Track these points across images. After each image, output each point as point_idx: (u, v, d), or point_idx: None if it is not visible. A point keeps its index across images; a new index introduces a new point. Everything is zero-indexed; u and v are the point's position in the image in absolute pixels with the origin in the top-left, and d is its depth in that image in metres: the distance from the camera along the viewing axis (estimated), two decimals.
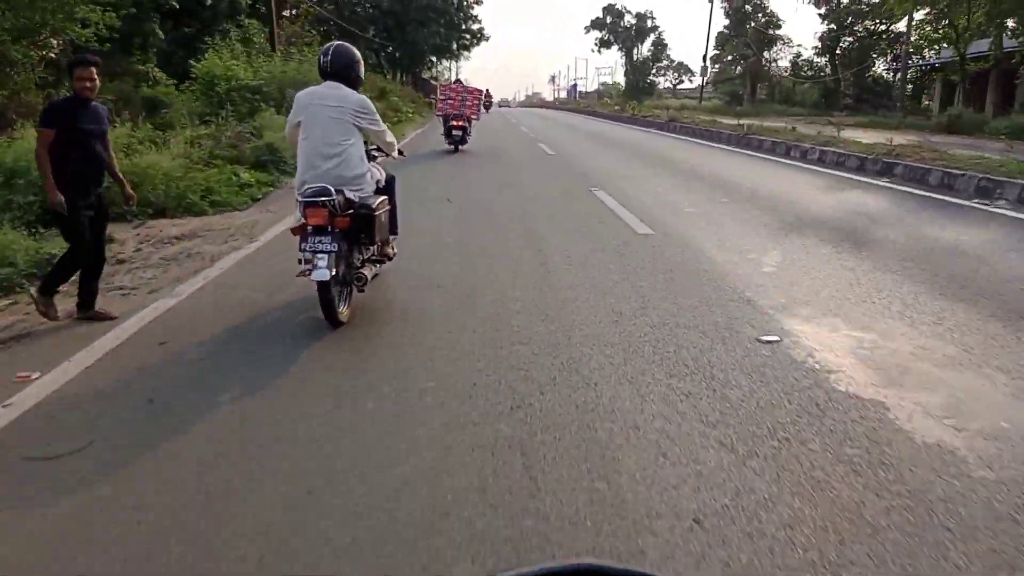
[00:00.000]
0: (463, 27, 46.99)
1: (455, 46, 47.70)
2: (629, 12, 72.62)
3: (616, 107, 42.78)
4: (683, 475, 2.40)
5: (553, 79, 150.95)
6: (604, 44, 74.07)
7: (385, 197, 4.30)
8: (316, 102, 4.02)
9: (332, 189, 3.72)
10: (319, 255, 3.62)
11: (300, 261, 3.72)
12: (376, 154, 4.67)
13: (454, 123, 15.76)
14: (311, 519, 2.18)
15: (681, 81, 79.28)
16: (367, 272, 4.10)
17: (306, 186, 3.80)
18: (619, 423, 2.79)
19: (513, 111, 67.25)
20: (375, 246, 4.27)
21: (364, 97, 4.16)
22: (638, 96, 67.10)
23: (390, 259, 4.64)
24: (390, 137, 4.45)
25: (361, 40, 41.59)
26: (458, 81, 22.94)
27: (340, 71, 4.11)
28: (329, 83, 4.11)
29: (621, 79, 76.41)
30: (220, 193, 8.29)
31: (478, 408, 2.93)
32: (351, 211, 3.84)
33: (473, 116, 16.33)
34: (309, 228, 3.69)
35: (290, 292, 4.55)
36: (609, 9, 72.71)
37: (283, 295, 4.61)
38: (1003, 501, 2.28)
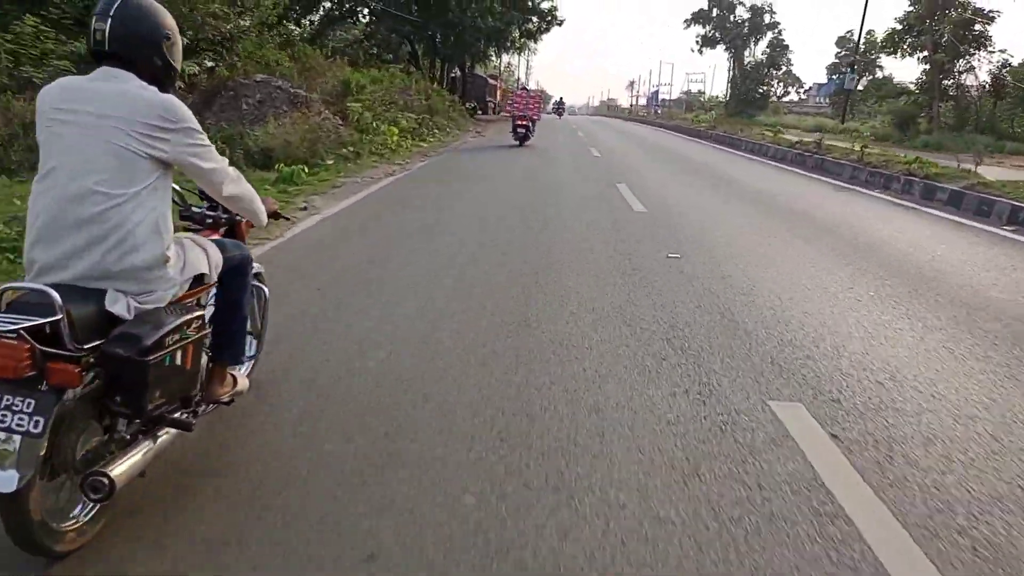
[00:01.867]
0: (529, 3, 38.66)
1: (517, 32, 39.66)
2: (742, 3, 63.27)
3: (710, 126, 33.72)
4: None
5: (632, 85, 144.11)
6: (708, 42, 65.23)
7: (200, 313, 2.41)
8: (67, 107, 2.19)
9: (56, 299, 1.97)
10: (3, 435, 1.92)
11: None
12: (211, 214, 2.99)
13: (519, 122, 21.15)
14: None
15: (787, 92, 69.36)
16: (125, 464, 2.18)
17: (11, 287, 2.09)
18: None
19: (575, 120, 59.67)
20: (144, 415, 2.21)
21: (172, 99, 2.27)
22: (746, 109, 58.09)
23: (220, 404, 2.78)
24: (238, 183, 2.54)
25: (385, 18, 34.58)
26: (524, 87, 30.81)
27: (127, 44, 2.25)
28: (104, 69, 2.27)
29: (716, 87, 67.00)
30: None
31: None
32: (96, 345, 2.07)
33: (535, 116, 22.27)
34: None
35: None
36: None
37: None
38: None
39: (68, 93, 2.23)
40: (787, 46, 62.99)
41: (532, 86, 61.25)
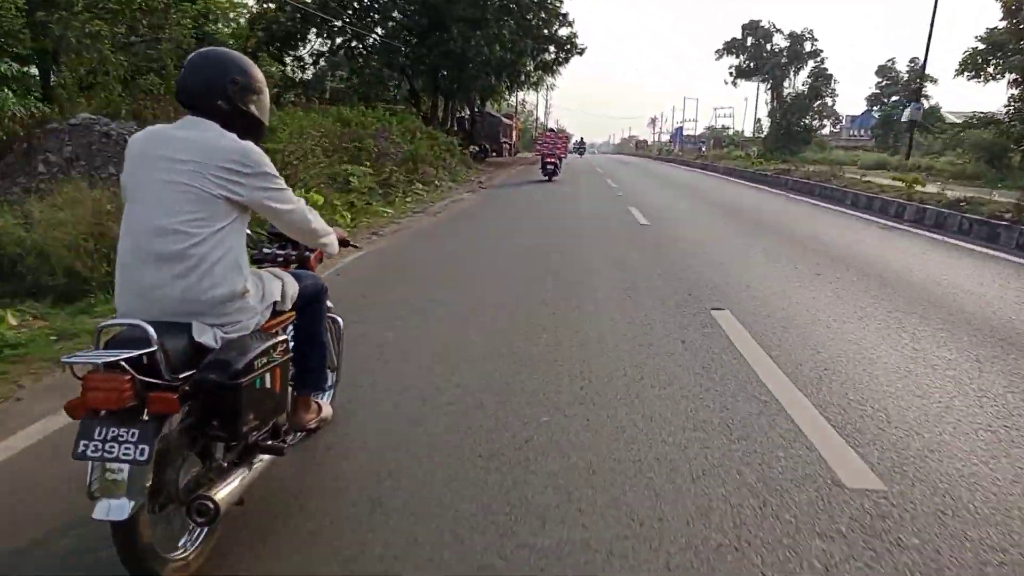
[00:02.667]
0: (544, 31, 33.49)
1: (531, 64, 34.53)
2: (780, 31, 58.08)
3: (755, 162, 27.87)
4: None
5: (654, 122, 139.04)
6: (743, 73, 59.96)
7: (283, 338, 2.60)
8: (151, 152, 2.39)
9: (151, 332, 2.13)
10: (112, 465, 2.05)
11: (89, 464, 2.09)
12: (281, 253, 3.21)
13: (548, 159, 24.47)
14: None
15: (823, 125, 63.74)
16: (226, 489, 2.37)
17: (107, 324, 2.27)
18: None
19: (598, 161, 54.65)
20: (241, 439, 2.39)
21: (248, 146, 2.43)
22: (788, 144, 52.52)
23: (309, 431, 3.14)
24: (312, 221, 2.73)
25: (379, 52, 29.73)
26: (551, 130, 35.52)
27: (193, 92, 2.47)
28: (188, 118, 2.48)
29: (745, 122, 61.37)
30: None
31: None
32: (190, 375, 2.24)
33: (562, 155, 27.44)
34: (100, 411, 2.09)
35: None
36: (752, 28, 58.66)
37: None
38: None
39: (152, 140, 2.42)
40: (831, 76, 57.56)
41: (552, 125, 56.73)
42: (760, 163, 33.99)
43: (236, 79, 2.46)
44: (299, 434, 3.02)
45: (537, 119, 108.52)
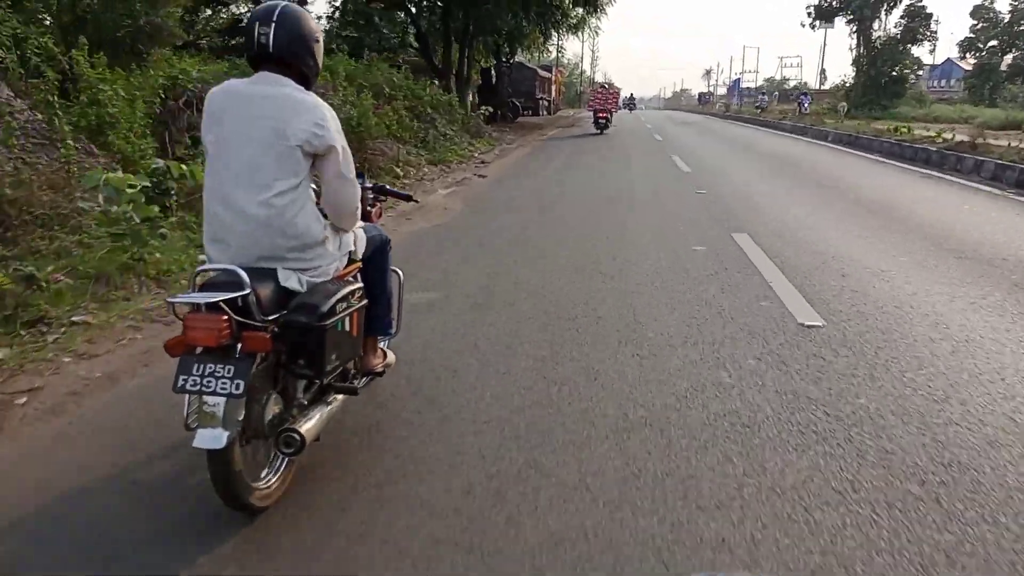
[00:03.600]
0: None
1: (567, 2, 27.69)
2: None
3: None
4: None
5: (708, 73, 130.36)
6: (823, 15, 51.47)
7: (359, 285, 2.82)
8: (233, 108, 2.50)
9: (244, 277, 2.29)
10: (209, 399, 2.23)
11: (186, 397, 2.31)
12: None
13: (600, 114, 25.84)
14: None
15: (917, 76, 54.94)
16: (308, 424, 2.54)
17: (204, 269, 2.49)
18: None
19: (648, 117, 47.98)
20: (326, 376, 2.58)
21: (322, 104, 2.56)
22: (878, 98, 44.53)
23: (374, 376, 3.21)
24: (354, 197, 2.74)
25: None
26: (603, 86, 35.36)
27: (289, 48, 2.52)
28: (263, 74, 2.55)
29: (810, 73, 52.97)
30: None
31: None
32: (279, 317, 2.41)
33: (613, 109, 28.87)
34: (196, 349, 2.27)
35: None
36: None
37: None
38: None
39: (231, 96, 2.52)
40: (929, 15, 48.86)
41: (601, 79, 52.38)
42: (863, 124, 26.57)
43: (318, 37, 2.60)
44: (367, 377, 3.12)
45: (582, 72, 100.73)
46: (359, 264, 2.96)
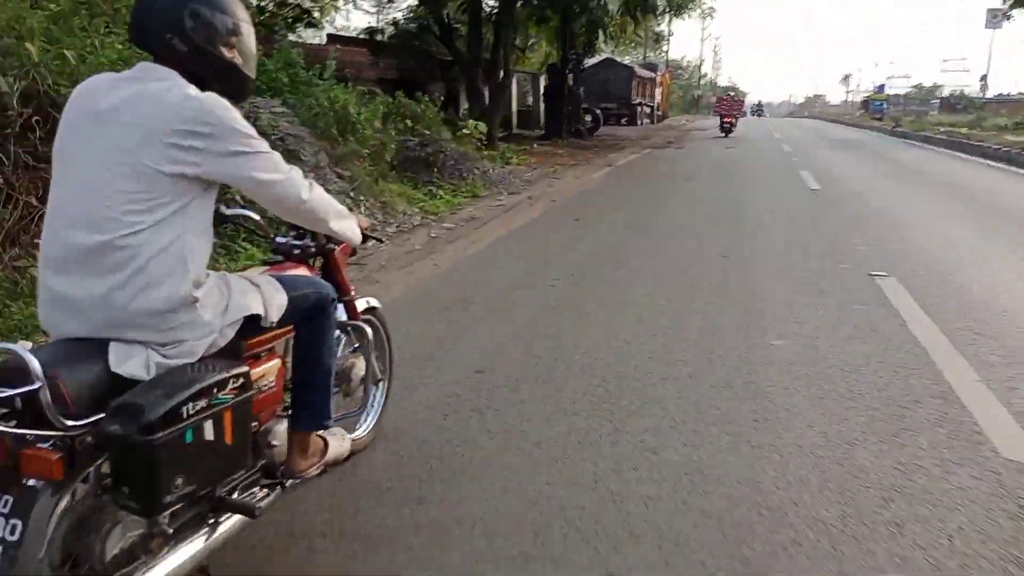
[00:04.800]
0: None
1: None
2: None
3: None
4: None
5: (846, 79, 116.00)
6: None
7: (240, 370, 1.89)
8: (88, 110, 1.81)
9: (32, 363, 1.55)
10: None
11: None
12: (299, 244, 2.46)
13: (725, 119, 27.72)
14: None
15: None
16: (159, 568, 1.80)
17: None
18: None
19: (776, 127, 38.31)
20: (160, 510, 1.74)
21: (207, 98, 1.79)
22: None
23: (306, 479, 2.33)
24: (308, 200, 1.99)
25: None
26: (728, 93, 41.94)
27: (155, 30, 1.85)
28: (143, 64, 1.88)
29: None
30: None
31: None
32: (95, 422, 1.65)
33: (738, 115, 30.48)
34: None
35: None
36: None
37: None
38: None
39: (90, 96, 1.81)
40: None
41: (724, 82, 50.48)
42: None
43: (198, 9, 1.81)
44: (294, 481, 2.25)
45: (702, 76, 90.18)
46: (286, 331, 2.18)
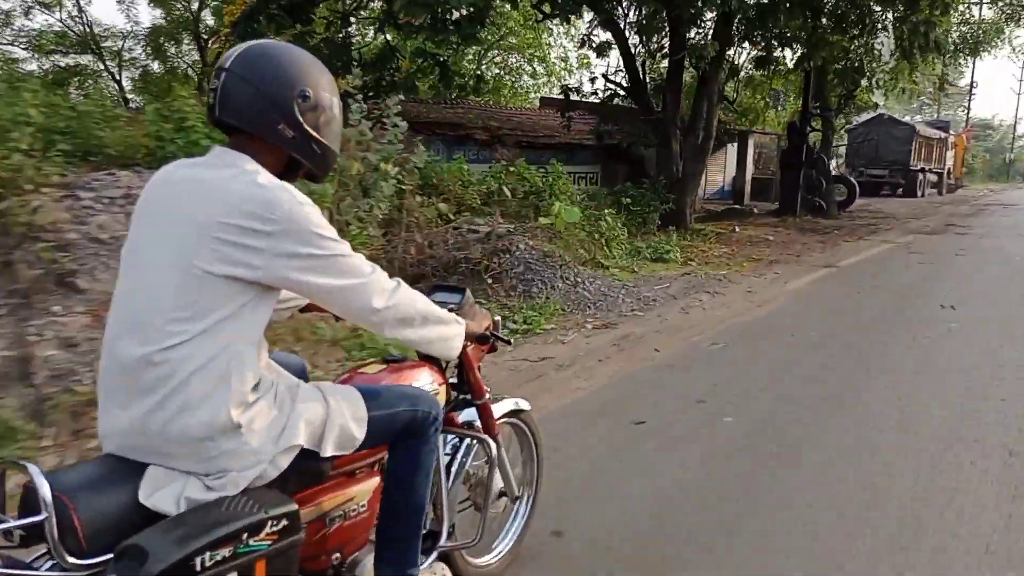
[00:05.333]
0: None
1: None
2: None
3: None
4: None
5: None
6: None
7: (283, 510, 1.58)
8: (153, 204, 1.66)
9: (42, 487, 1.39)
10: None
11: None
12: (453, 302, 2.13)
13: None
14: None
15: None
16: None
17: (7, 462, 1.59)
18: None
19: None
20: None
21: (276, 188, 1.57)
22: None
23: None
24: (387, 310, 1.71)
25: None
26: None
27: (238, 108, 1.63)
28: (218, 149, 1.70)
29: None
30: None
31: None
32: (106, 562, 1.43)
33: None
34: None
35: None
36: None
37: None
38: None
39: (159, 185, 1.65)
40: None
41: None
42: None
43: (307, 92, 1.63)
44: None
45: (1017, 137, 75.20)
46: (381, 448, 1.89)
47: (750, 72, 17.88)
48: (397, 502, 1.90)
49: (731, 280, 8.30)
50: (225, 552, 1.44)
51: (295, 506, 1.60)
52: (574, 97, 15.97)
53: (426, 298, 1.83)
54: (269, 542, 1.51)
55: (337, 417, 1.70)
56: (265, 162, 1.61)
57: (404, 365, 2.08)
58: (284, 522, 1.54)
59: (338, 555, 1.86)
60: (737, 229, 13.37)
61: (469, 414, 2.27)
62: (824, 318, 6.51)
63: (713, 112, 13.63)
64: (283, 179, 1.62)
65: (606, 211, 11.45)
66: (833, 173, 20.88)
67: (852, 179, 20.76)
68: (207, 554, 1.41)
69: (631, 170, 20.76)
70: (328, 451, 1.68)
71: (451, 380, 2.22)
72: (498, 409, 2.35)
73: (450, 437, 2.24)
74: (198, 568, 1.39)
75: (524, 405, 2.54)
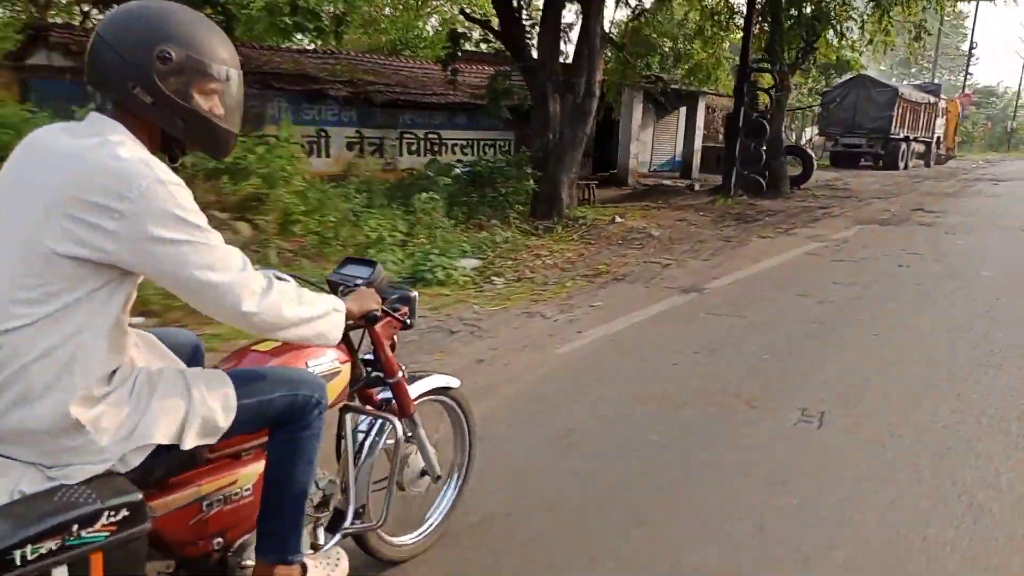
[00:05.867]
0: None
1: None
2: None
3: None
4: None
5: None
6: None
7: (127, 499, 1.49)
8: (8, 175, 1.53)
9: None
10: None
11: None
12: (361, 279, 2.10)
13: None
14: None
15: None
16: None
17: None
18: None
19: None
20: None
21: (136, 161, 1.43)
22: None
23: None
24: (256, 309, 1.56)
25: None
26: None
27: (100, 69, 1.51)
28: (92, 115, 1.54)
29: None
30: None
31: None
32: None
33: None
34: None
35: None
36: None
37: None
38: None
39: (23, 150, 1.52)
40: None
41: None
42: None
43: (167, 53, 1.47)
44: None
45: (1019, 107, 71.08)
46: (262, 434, 1.79)
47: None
48: (277, 488, 1.79)
49: (503, 323, 5.03)
50: (51, 545, 1.37)
51: (139, 495, 1.50)
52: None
53: (301, 291, 1.68)
54: (106, 534, 1.43)
55: (200, 408, 1.58)
56: (140, 134, 1.49)
57: (298, 346, 1.88)
58: (124, 512, 1.46)
59: (220, 540, 1.76)
60: (618, 219, 10.05)
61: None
62: (545, 450, 3.29)
63: (595, 60, 10.18)
64: (168, 155, 1.53)
65: (423, 195, 8.26)
66: (789, 143, 17.52)
67: (807, 150, 17.29)
68: (28, 547, 1.34)
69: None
70: (189, 444, 1.56)
71: (367, 356, 2.11)
72: (422, 386, 2.29)
73: (365, 416, 2.16)
74: (18, 562, 1.32)
75: (453, 383, 2.41)
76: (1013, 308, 5.79)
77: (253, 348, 1.94)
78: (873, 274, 6.97)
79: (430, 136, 14.87)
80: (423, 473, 2.31)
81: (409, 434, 2.21)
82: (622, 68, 16.21)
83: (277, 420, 1.74)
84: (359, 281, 2.02)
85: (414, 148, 14.55)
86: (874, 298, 6.06)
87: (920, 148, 27.38)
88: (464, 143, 15.35)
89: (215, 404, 1.60)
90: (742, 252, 8.10)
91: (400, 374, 2.15)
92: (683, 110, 19.68)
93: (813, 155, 16.89)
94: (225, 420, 1.61)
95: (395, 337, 2.16)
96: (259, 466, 1.80)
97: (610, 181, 16.74)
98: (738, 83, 14.10)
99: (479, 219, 9.17)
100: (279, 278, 1.74)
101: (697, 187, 16.33)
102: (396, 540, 2.32)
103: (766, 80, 14.89)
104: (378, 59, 17.39)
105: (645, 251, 7.97)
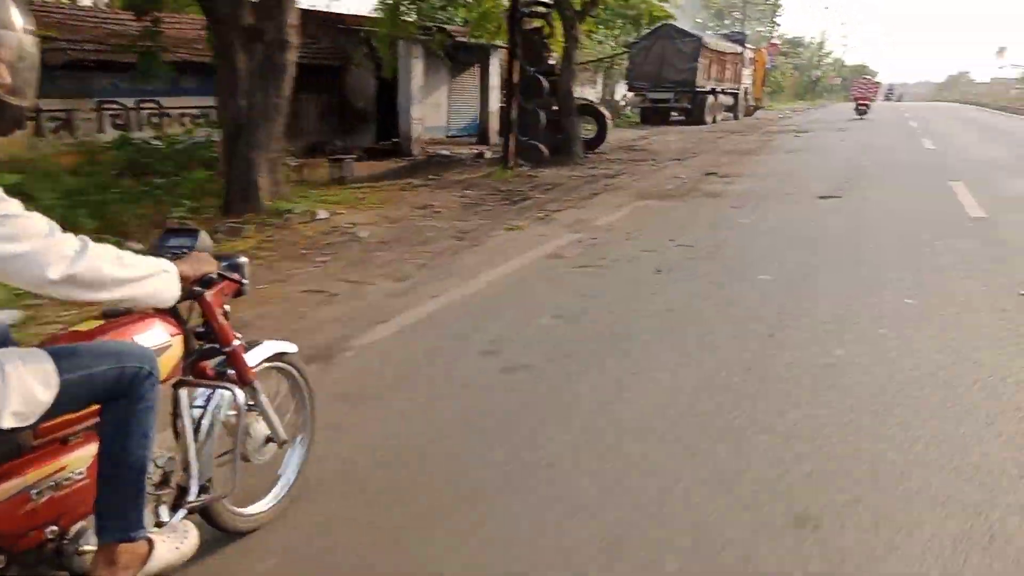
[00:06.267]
0: None
1: None
2: None
3: None
4: None
5: (1001, 52, 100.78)
6: None
7: None
8: None
9: None
10: None
11: None
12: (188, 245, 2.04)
13: (860, 102, 29.67)
14: None
15: None
16: None
17: None
18: None
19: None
20: None
21: None
22: None
23: None
24: (69, 273, 1.53)
25: None
26: (864, 77, 42.46)
27: None
28: None
29: None
30: None
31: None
32: None
33: (872, 99, 31.57)
34: None
35: None
36: None
37: None
38: None
39: None
40: None
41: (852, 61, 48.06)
42: None
43: None
44: None
45: (824, 55, 75.73)
46: (92, 411, 1.72)
47: None
48: (112, 464, 1.74)
49: None
50: None
51: None
52: None
53: (123, 253, 1.65)
54: None
55: (16, 385, 1.50)
56: None
57: (127, 319, 1.87)
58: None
59: (54, 528, 1.70)
60: (322, 215, 7.61)
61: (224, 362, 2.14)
62: None
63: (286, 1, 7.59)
64: None
65: None
66: (586, 101, 15.77)
67: (601, 109, 15.58)
68: None
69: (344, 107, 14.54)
70: (6, 424, 1.49)
71: (200, 329, 2.08)
72: (258, 354, 2.27)
73: (203, 389, 2.13)
74: None
75: (289, 348, 2.44)
76: (786, 345, 3.98)
77: (74, 329, 1.84)
78: (616, 291, 5.02)
79: (145, 105, 11.75)
80: (268, 440, 2.26)
81: (251, 403, 2.17)
82: (390, 17, 13.71)
83: (106, 395, 1.67)
84: (185, 249, 1.95)
85: (122, 121, 11.37)
86: (601, 345, 4.01)
87: (728, 100, 26.93)
88: (196, 113, 12.31)
89: (33, 380, 1.51)
90: (468, 258, 5.96)
91: (237, 342, 2.10)
92: (478, 68, 17.46)
93: (606, 114, 15.21)
94: (46, 394, 1.53)
95: (227, 307, 2.10)
96: (92, 448, 1.72)
97: (394, 152, 14.29)
98: (510, 32, 11.94)
99: (125, 226, 6.48)
100: None
101: (489, 154, 14.23)
102: (246, 511, 2.27)
103: (536, 24, 12.86)
104: (81, 11, 13.84)
105: (328, 266, 5.63)
